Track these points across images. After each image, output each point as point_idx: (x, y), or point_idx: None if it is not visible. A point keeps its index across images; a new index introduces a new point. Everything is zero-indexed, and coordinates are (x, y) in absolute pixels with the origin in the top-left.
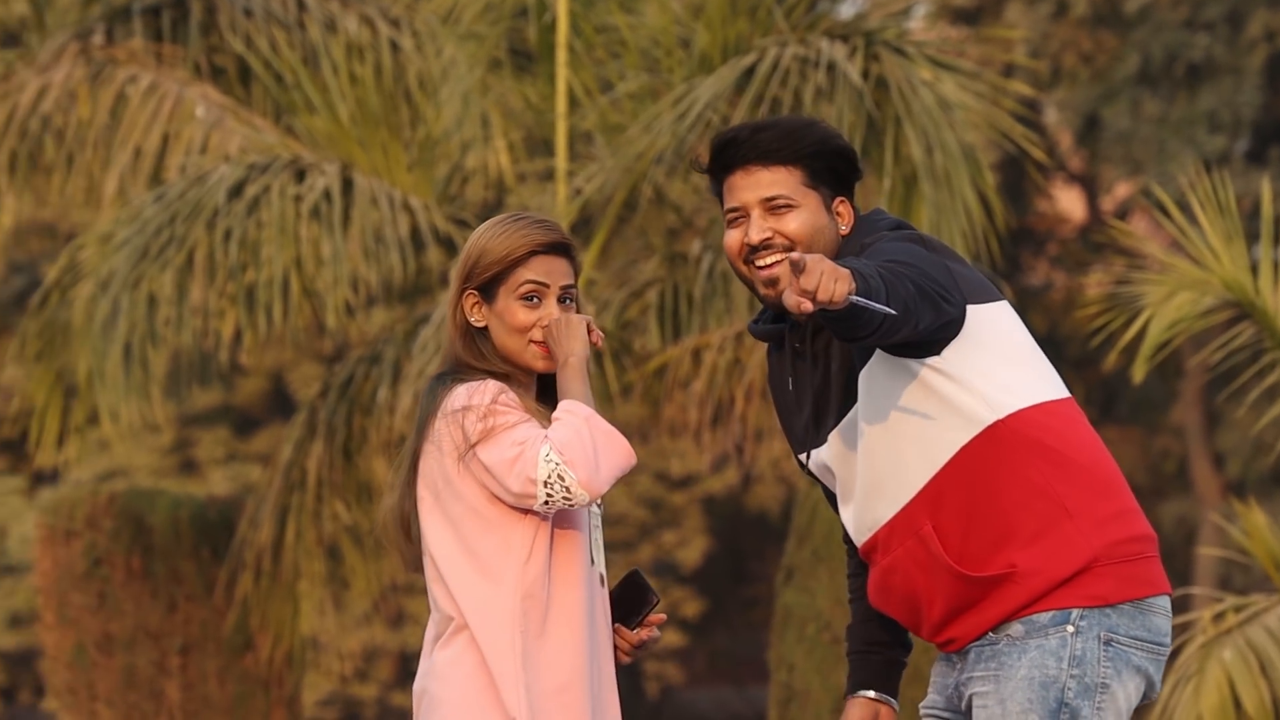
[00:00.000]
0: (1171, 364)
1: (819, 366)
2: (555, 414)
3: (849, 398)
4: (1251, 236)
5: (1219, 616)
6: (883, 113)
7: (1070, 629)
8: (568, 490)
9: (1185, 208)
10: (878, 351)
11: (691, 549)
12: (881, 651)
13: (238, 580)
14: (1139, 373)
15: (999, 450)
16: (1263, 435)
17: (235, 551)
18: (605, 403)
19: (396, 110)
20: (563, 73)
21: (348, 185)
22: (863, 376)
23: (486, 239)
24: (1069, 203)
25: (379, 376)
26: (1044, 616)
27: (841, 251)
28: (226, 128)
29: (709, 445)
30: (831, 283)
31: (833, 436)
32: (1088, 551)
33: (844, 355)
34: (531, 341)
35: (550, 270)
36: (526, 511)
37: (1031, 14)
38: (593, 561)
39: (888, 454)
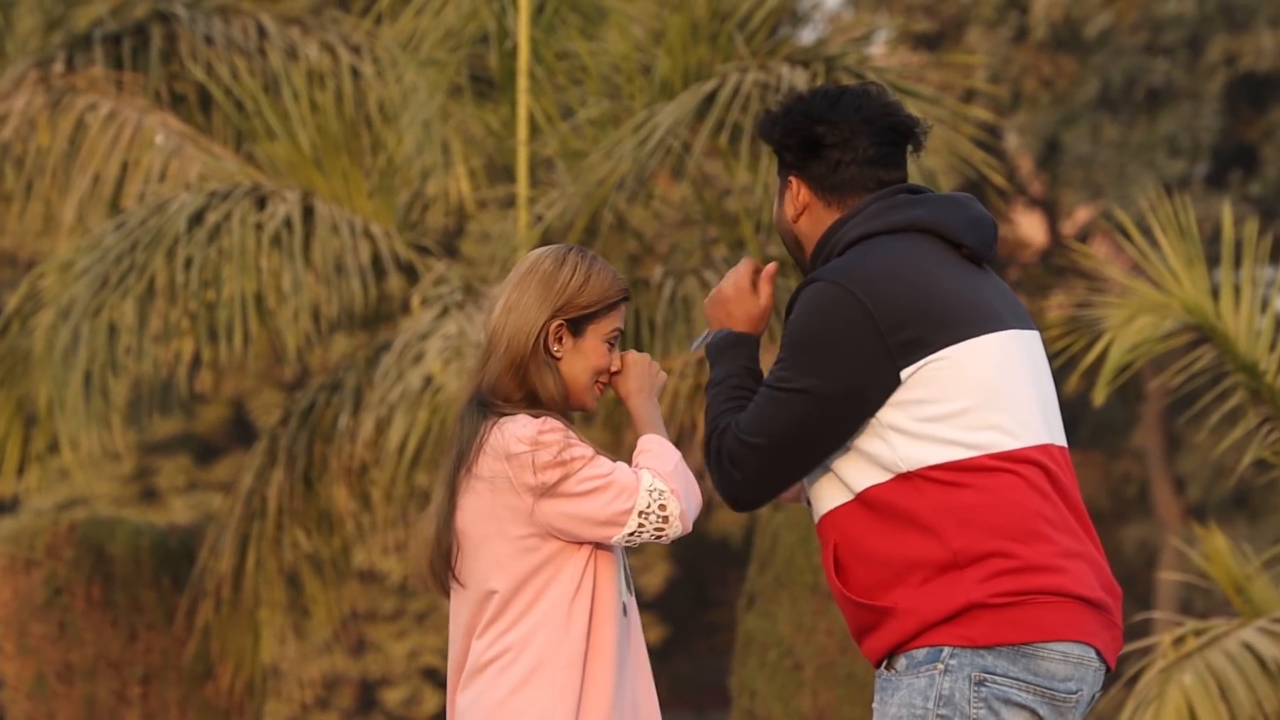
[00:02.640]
0: (1132, 387)
1: None
2: (645, 447)
3: None
4: (1212, 260)
5: (1179, 640)
6: None
7: (940, 667)
8: (664, 521)
9: (1146, 231)
10: None
11: (654, 575)
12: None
13: (198, 609)
14: (1100, 396)
15: (909, 499)
16: (1223, 459)
17: (196, 580)
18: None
19: (357, 137)
20: (524, 99)
21: (308, 212)
22: None
23: (584, 274)
24: (1030, 227)
25: (340, 404)
26: (920, 653)
27: (818, 248)
28: (186, 155)
29: None
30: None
31: None
32: (963, 598)
33: None
34: (597, 383)
35: (623, 318)
36: (579, 546)
37: (991, 38)
38: (620, 592)
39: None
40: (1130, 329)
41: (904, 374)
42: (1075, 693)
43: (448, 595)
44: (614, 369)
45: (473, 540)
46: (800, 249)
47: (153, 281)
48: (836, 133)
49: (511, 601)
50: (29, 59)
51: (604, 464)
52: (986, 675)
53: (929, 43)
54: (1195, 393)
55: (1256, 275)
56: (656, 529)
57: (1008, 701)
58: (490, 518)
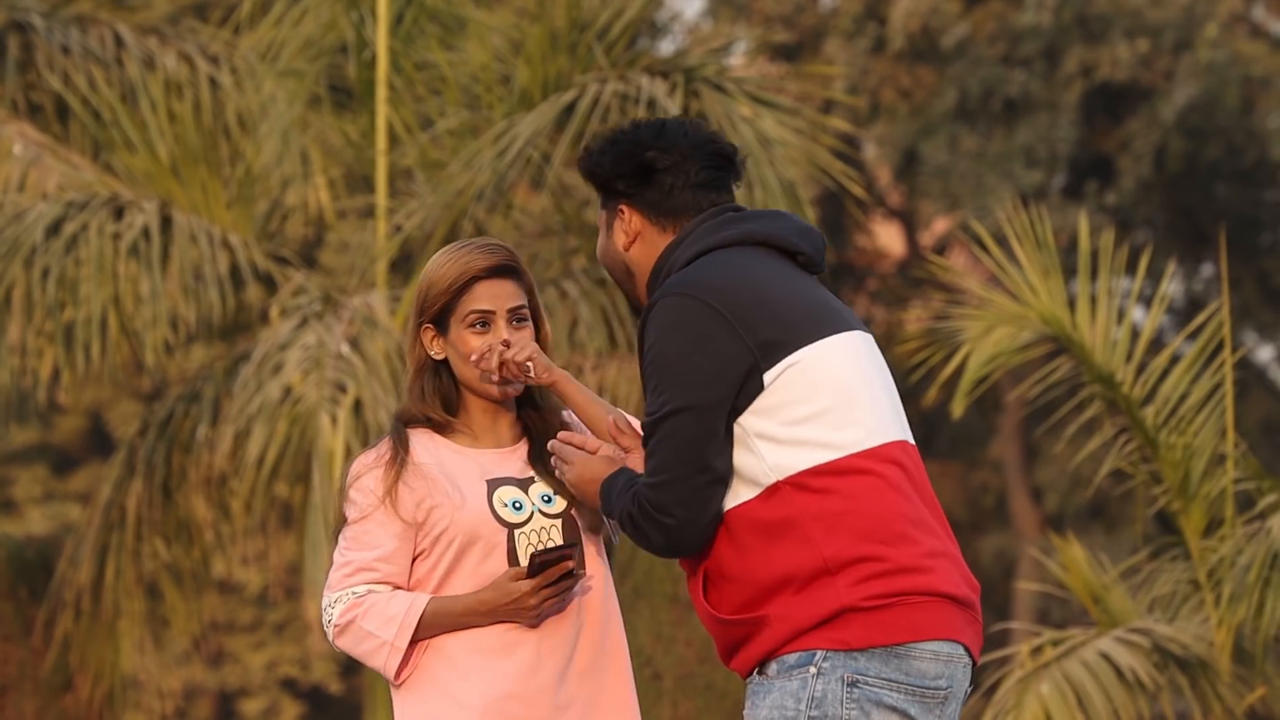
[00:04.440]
0: (990, 398)
1: None
2: (401, 608)
3: None
4: (1069, 271)
5: (1037, 650)
6: None
7: (813, 670)
8: (329, 626)
9: (1003, 242)
10: None
11: None
12: None
13: (57, 620)
14: (958, 407)
15: (777, 511)
16: (1080, 469)
17: (54, 591)
18: None
19: (216, 147)
20: (383, 109)
21: (166, 223)
22: None
23: (433, 270)
24: (888, 238)
25: (199, 414)
26: (792, 657)
27: (655, 271)
28: (44, 165)
29: None
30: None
31: None
32: (836, 602)
33: None
34: (488, 370)
35: (495, 294)
36: (415, 559)
37: (850, 49)
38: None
39: None
40: (988, 340)
41: (767, 378)
42: (945, 689)
43: None
44: (486, 350)
45: None
46: (630, 278)
47: (10, 292)
48: (667, 157)
49: None
50: None
51: (350, 536)
52: (859, 677)
53: (788, 54)
54: (1053, 404)
55: (1113, 286)
56: (329, 624)
57: (879, 704)
58: None
